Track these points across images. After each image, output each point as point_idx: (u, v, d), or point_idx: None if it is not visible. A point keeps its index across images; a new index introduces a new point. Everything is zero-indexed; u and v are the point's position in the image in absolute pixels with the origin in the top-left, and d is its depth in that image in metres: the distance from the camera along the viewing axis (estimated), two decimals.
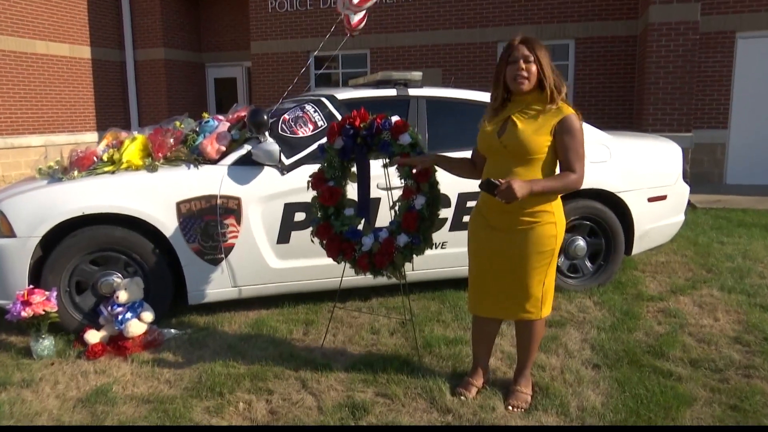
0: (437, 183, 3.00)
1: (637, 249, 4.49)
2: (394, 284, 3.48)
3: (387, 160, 3.10)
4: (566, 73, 9.88)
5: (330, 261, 3.53)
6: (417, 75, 4.23)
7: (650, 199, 4.42)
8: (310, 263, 3.82)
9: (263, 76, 11.49)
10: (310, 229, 3.71)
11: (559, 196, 2.52)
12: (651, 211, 4.44)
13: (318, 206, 3.18)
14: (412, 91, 4.16)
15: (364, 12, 4.78)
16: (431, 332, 3.57)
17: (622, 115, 9.62)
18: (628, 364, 3.16)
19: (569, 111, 2.40)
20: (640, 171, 4.38)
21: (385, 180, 3.28)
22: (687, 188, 4.67)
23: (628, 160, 4.36)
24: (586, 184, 4.15)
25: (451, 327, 3.68)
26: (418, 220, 2.98)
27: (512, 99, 2.49)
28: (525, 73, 2.37)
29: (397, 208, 3.10)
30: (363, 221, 3.18)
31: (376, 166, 3.24)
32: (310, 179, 3.21)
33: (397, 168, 3.03)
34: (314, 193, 3.22)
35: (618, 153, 4.33)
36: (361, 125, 3.06)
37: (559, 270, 4.31)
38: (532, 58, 2.37)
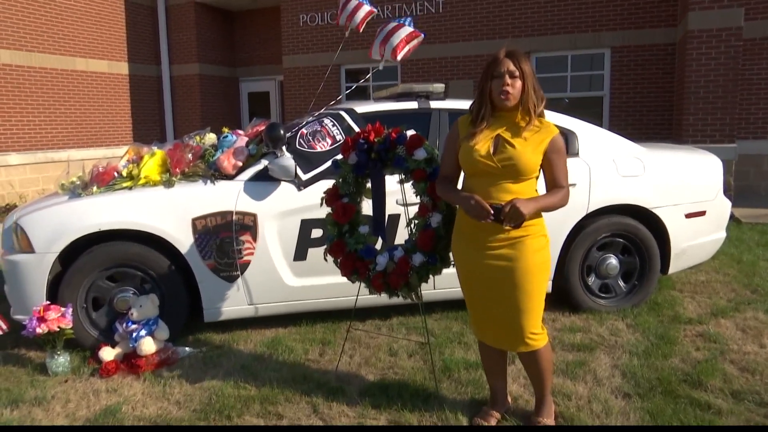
0: None
1: (674, 268, 4.24)
2: (414, 303, 3.35)
3: (403, 176, 2.98)
4: (602, 83, 9.61)
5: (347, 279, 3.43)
6: (439, 87, 4.11)
7: (688, 215, 4.17)
8: (328, 281, 3.72)
9: (295, 89, 11.55)
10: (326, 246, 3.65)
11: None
12: (689, 228, 4.19)
13: (332, 223, 3.08)
14: (434, 104, 4.04)
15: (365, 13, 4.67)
16: (451, 355, 3.41)
17: (660, 125, 9.27)
18: (661, 393, 2.94)
19: (556, 130, 2.36)
20: (677, 185, 4.14)
21: (411, 196, 3.16)
22: (728, 203, 4.40)
23: (664, 173, 4.13)
24: (619, 199, 3.99)
25: (472, 349, 3.51)
26: (435, 239, 2.84)
27: (495, 115, 2.37)
28: (510, 89, 2.28)
29: (413, 225, 2.98)
30: (380, 239, 3.06)
31: (393, 181, 3.14)
32: (324, 195, 3.12)
33: (412, 184, 2.91)
34: (329, 209, 3.13)
35: (652, 166, 4.10)
36: (376, 140, 2.95)
37: (589, 289, 4.10)
38: (517, 73, 2.28)
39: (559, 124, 4.12)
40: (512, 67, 2.27)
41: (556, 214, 3.98)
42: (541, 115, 2.34)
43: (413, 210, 3.20)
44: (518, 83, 2.28)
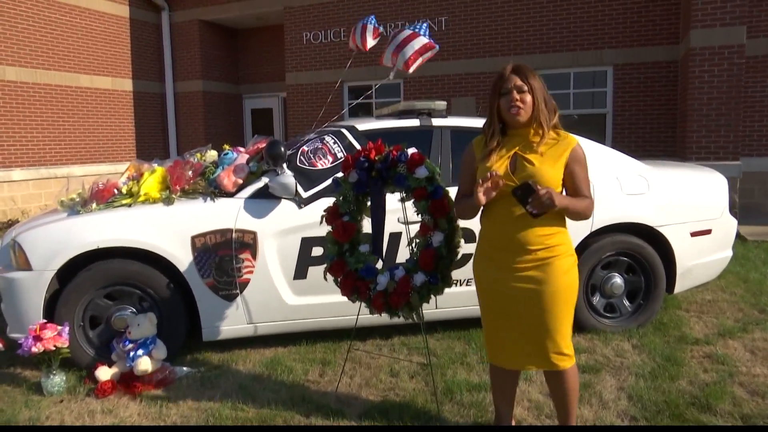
0: (456, 218, 2.83)
1: (679, 287, 4.18)
2: (415, 323, 3.30)
3: (404, 194, 2.94)
4: (605, 101, 9.60)
5: None
6: (441, 104, 4.09)
7: (693, 234, 4.12)
8: (329, 300, 3.67)
9: (298, 106, 11.59)
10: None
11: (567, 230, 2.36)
12: (694, 247, 4.13)
13: (332, 242, 3.04)
14: (436, 121, 4.01)
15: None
16: (454, 376, 3.35)
17: (663, 143, 9.24)
18: (669, 417, 2.87)
19: (575, 140, 2.31)
20: (682, 203, 4.10)
21: (410, 214, 3.12)
22: (734, 221, 4.34)
23: (668, 191, 4.08)
24: (623, 217, 3.94)
25: (475, 370, 3.45)
26: (436, 258, 2.80)
27: (508, 133, 2.33)
28: (520, 104, 2.23)
29: (414, 244, 2.93)
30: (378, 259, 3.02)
31: (395, 200, 3.10)
32: (324, 214, 3.09)
33: (413, 202, 2.87)
34: (329, 228, 3.09)
35: (657, 184, 4.06)
36: (377, 158, 2.92)
37: (594, 309, 4.04)
38: (525, 88, 2.24)
39: None
40: (519, 82, 2.23)
41: None
42: (556, 127, 2.30)
43: (414, 228, 3.16)
44: (528, 98, 2.23)
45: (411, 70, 4.46)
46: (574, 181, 2.29)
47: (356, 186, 2.98)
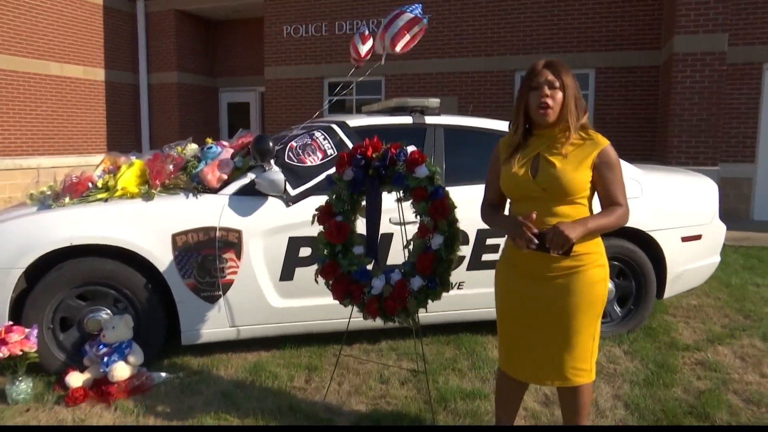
0: (456, 220, 2.71)
1: (669, 292, 4.14)
2: (406, 327, 3.17)
3: (401, 194, 2.81)
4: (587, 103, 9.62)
5: (336, 301, 3.24)
6: (434, 102, 3.97)
7: (684, 239, 4.08)
8: (316, 302, 3.52)
9: (276, 101, 11.36)
10: (315, 265, 3.44)
11: (600, 236, 2.20)
12: (685, 252, 4.10)
13: (324, 243, 2.89)
14: (429, 119, 3.89)
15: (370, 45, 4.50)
16: (446, 383, 3.23)
17: (643, 147, 9.31)
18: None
19: (605, 141, 2.12)
20: (674, 208, 4.06)
21: (398, 214, 3.00)
22: (723, 227, 4.33)
23: (661, 196, 4.04)
24: None
25: (467, 377, 3.34)
26: (435, 262, 2.68)
27: (534, 132, 2.18)
28: (550, 101, 2.07)
29: (411, 247, 2.81)
30: (372, 261, 2.88)
31: (388, 199, 2.97)
32: (316, 213, 2.94)
33: (412, 203, 2.74)
34: (320, 227, 2.95)
35: (650, 189, 4.01)
36: (374, 155, 2.78)
37: None
38: (557, 84, 2.07)
39: None
40: (551, 77, 2.07)
41: None
42: (585, 128, 2.13)
43: (410, 229, 3.04)
44: (558, 95, 2.07)
45: (398, 49, 4.25)
46: (604, 187, 2.10)
47: (351, 184, 2.84)
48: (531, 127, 2.17)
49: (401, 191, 2.78)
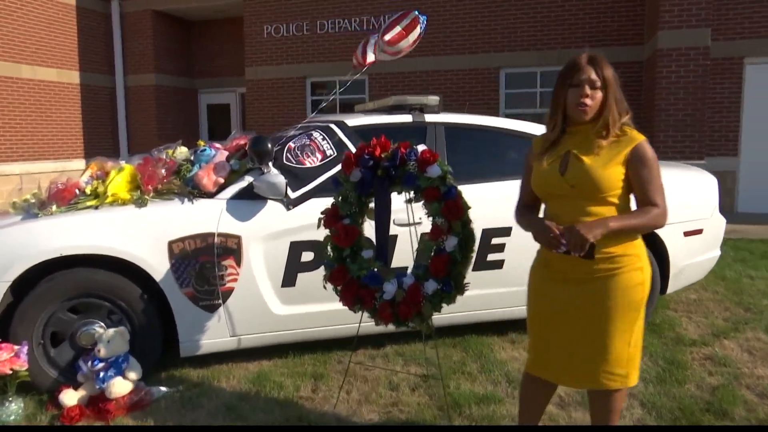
0: (470, 221, 2.62)
1: (672, 287, 4.11)
2: (412, 331, 3.08)
3: (412, 195, 2.71)
4: None
5: (341, 306, 3.13)
6: (433, 99, 3.88)
7: (686, 233, 4.06)
8: (319, 309, 3.40)
9: (258, 102, 11.17)
10: (319, 271, 3.33)
11: (641, 237, 2.11)
12: (687, 247, 4.08)
13: (332, 247, 2.78)
14: (429, 117, 3.80)
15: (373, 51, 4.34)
16: (458, 388, 3.14)
17: None
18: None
19: (640, 137, 2.02)
20: (676, 203, 4.00)
21: (405, 215, 2.90)
22: (723, 221, 4.33)
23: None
24: None
25: (479, 380, 3.25)
26: (449, 264, 2.59)
27: (568, 129, 2.09)
28: (589, 100, 1.98)
29: (422, 249, 2.71)
30: (382, 265, 2.77)
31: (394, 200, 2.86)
32: (322, 216, 2.82)
33: (424, 204, 2.64)
34: (326, 231, 2.83)
35: None
36: (383, 155, 2.68)
37: None
38: (599, 84, 1.98)
39: None
40: (594, 75, 1.98)
41: None
42: (623, 125, 2.03)
43: (404, 231, 2.95)
44: (598, 94, 1.98)
45: (387, 37, 4.13)
46: (639, 185, 2.00)
47: (359, 186, 2.73)
48: (565, 123, 2.09)
49: (412, 192, 2.68)
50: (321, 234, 3.25)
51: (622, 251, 2.01)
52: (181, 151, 3.89)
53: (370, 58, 4.10)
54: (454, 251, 2.58)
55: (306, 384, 3.23)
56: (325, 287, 2.80)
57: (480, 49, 9.90)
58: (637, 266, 2.03)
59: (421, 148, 2.65)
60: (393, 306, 2.64)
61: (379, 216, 2.74)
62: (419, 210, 2.95)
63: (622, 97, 2.03)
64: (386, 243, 2.78)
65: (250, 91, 11.22)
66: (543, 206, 2.23)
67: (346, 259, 2.76)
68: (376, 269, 2.72)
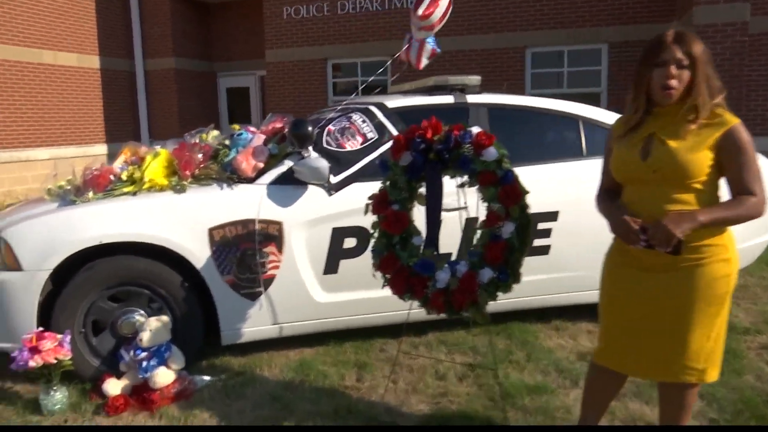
0: (528, 206, 2.50)
1: None
2: (454, 318, 2.98)
3: (465, 179, 2.59)
4: (599, 80, 9.40)
5: (384, 294, 3.04)
6: (475, 79, 3.74)
7: None
8: (362, 296, 3.31)
9: (278, 84, 11.04)
10: (361, 257, 3.25)
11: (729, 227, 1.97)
12: (740, 231, 3.91)
13: (380, 234, 2.68)
14: (471, 98, 3.66)
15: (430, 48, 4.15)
16: (507, 378, 3.05)
17: None
18: (752, 419, 2.64)
19: (733, 119, 1.86)
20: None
21: (450, 200, 2.79)
22: None
23: None
24: None
25: (527, 370, 3.16)
26: (506, 251, 2.47)
27: (652, 110, 1.95)
28: (674, 82, 1.83)
29: (477, 235, 2.59)
30: (432, 252, 2.67)
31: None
32: (370, 202, 2.72)
33: (479, 188, 2.53)
34: (373, 217, 2.73)
35: None
36: (435, 138, 2.56)
37: None
38: (686, 62, 1.83)
39: (597, 118, 3.80)
40: (680, 54, 1.82)
41: (603, 219, 3.70)
42: (715, 107, 1.87)
43: (449, 217, 2.84)
44: (685, 74, 1.83)
45: (420, 12, 3.99)
46: (732, 173, 1.85)
47: (409, 170, 2.62)
48: (649, 104, 1.95)
49: (466, 176, 2.56)
50: (363, 220, 3.17)
51: (709, 240, 1.88)
52: (214, 135, 3.80)
53: (424, 63, 3.98)
54: (511, 238, 2.47)
55: (350, 373, 3.16)
56: (374, 275, 2.71)
57: (505, 28, 9.66)
58: (724, 257, 1.90)
59: (475, 129, 2.53)
60: (446, 295, 2.54)
61: (430, 201, 2.63)
62: (463, 195, 2.84)
63: (714, 75, 1.87)
64: (437, 230, 2.67)
65: (270, 74, 11.10)
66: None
67: (395, 246, 2.66)
68: (427, 257, 2.62)
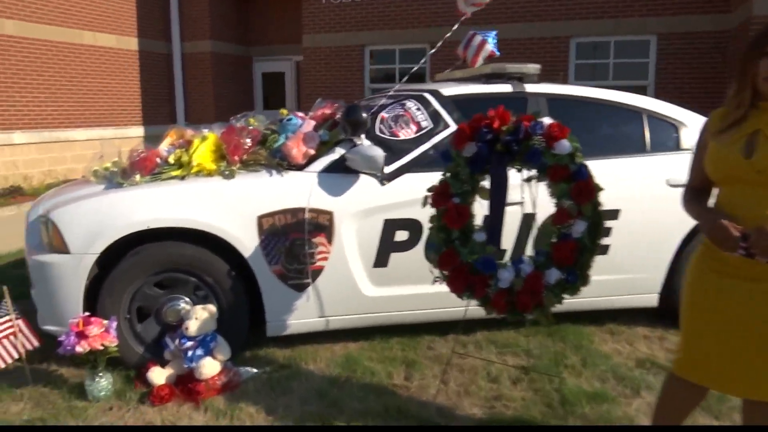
0: (600, 204, 2.35)
1: None
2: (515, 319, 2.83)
3: (532, 173, 2.44)
4: (646, 72, 9.06)
5: (435, 290, 2.94)
6: (534, 68, 3.57)
7: None
8: (412, 291, 3.19)
9: (315, 70, 10.93)
10: (412, 251, 3.13)
11: None
12: None
13: (439, 228, 2.55)
14: (530, 87, 3.49)
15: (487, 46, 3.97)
16: (562, 382, 2.90)
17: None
18: None
19: None
20: None
21: (521, 196, 2.64)
22: None
23: None
24: None
25: (584, 376, 3.00)
26: (577, 251, 2.32)
27: (758, 104, 1.76)
28: None
29: (543, 234, 2.45)
30: (495, 249, 2.53)
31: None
32: (429, 194, 2.58)
33: (548, 183, 2.38)
34: (428, 210, 2.60)
35: None
36: (503, 128, 2.41)
37: None
38: None
39: (663, 112, 3.60)
40: None
41: (665, 219, 3.52)
42: None
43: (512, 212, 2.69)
44: None
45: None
46: None
47: (473, 161, 2.48)
48: (754, 97, 1.77)
49: (535, 170, 2.41)
50: (416, 212, 3.05)
51: None
52: (259, 119, 3.70)
53: (480, 63, 3.81)
54: (582, 237, 2.32)
55: (398, 371, 3.05)
56: (432, 272, 2.58)
57: (549, 17, 9.37)
58: None
59: (547, 120, 2.37)
60: (510, 295, 2.40)
61: (494, 195, 2.49)
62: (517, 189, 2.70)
63: None
64: (500, 226, 2.52)
65: (306, 59, 10.99)
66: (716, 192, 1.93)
67: (455, 242, 2.53)
68: (489, 254, 2.48)
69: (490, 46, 3.83)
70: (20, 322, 2.82)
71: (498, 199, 2.49)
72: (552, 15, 9.34)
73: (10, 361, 2.78)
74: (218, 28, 11.77)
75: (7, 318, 2.78)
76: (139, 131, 11.09)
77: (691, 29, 8.74)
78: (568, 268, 2.35)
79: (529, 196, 3.07)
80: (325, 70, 10.84)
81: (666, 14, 8.81)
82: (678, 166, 3.48)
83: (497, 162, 2.44)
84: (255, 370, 3.00)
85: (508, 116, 2.43)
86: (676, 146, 3.55)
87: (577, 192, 2.30)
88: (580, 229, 2.31)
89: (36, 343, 2.85)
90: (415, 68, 4.62)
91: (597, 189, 2.32)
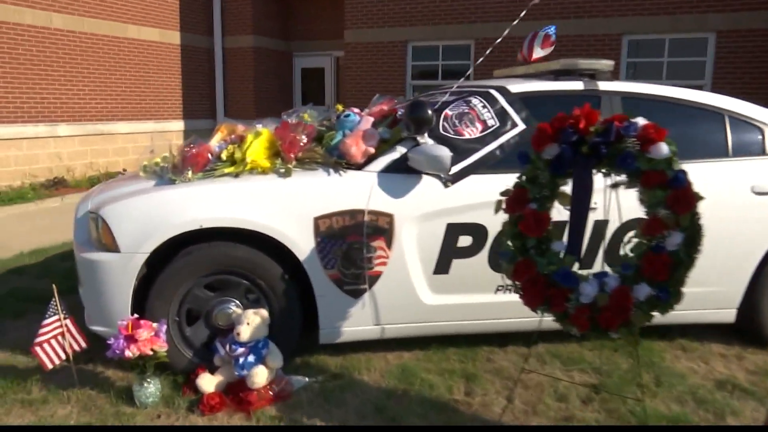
0: (700, 215, 2.11)
1: None
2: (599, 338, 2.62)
3: (621, 178, 2.22)
4: (703, 71, 8.64)
5: (498, 299, 2.76)
6: (607, 65, 3.33)
7: None
8: (473, 300, 3.00)
9: (355, 66, 10.78)
10: (476, 258, 2.94)
11: None
12: None
13: (513, 236, 2.35)
14: (603, 85, 3.25)
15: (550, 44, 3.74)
16: (639, 404, 2.67)
17: None
18: None
19: None
20: None
21: (604, 204, 2.42)
22: None
23: None
24: None
25: (660, 396, 2.77)
26: (671, 266, 2.09)
27: None
28: None
29: (630, 245, 2.23)
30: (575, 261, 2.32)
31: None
32: (503, 198, 2.39)
33: (641, 190, 2.15)
34: (495, 215, 2.41)
35: None
36: (591, 129, 2.19)
37: None
38: None
39: (746, 114, 3.32)
40: None
41: (747, 228, 3.25)
42: None
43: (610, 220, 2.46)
44: None
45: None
46: None
47: (554, 164, 2.27)
48: None
49: (626, 175, 2.19)
50: (481, 216, 2.87)
51: None
52: (313, 115, 3.55)
53: (537, 53, 3.58)
54: (677, 250, 2.09)
55: (458, 385, 2.86)
56: (503, 281, 2.39)
57: (600, 13, 9.01)
58: None
59: (641, 121, 2.15)
60: (592, 311, 2.19)
61: (577, 202, 2.27)
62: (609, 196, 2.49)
63: None
64: (582, 235, 2.31)
65: (347, 55, 10.84)
66: None
67: (530, 251, 2.33)
68: (568, 265, 2.28)
69: (550, 31, 3.59)
70: (68, 322, 2.72)
71: (581, 205, 2.28)
72: (604, 11, 8.98)
73: (58, 362, 2.69)
74: (260, 23, 11.72)
75: (55, 318, 2.69)
76: (179, 125, 11.12)
77: (754, 26, 8.29)
78: (660, 284, 2.12)
79: (604, 203, 2.86)
80: (366, 66, 10.68)
81: (726, 10, 8.38)
82: (763, 172, 3.21)
83: (582, 166, 2.23)
84: (306, 379, 2.85)
85: (596, 116, 2.22)
86: (762, 151, 3.27)
87: (674, 200, 2.07)
88: (675, 241, 2.08)
89: (84, 345, 2.75)
90: (480, 61, 4.41)
91: (697, 198, 2.09)
